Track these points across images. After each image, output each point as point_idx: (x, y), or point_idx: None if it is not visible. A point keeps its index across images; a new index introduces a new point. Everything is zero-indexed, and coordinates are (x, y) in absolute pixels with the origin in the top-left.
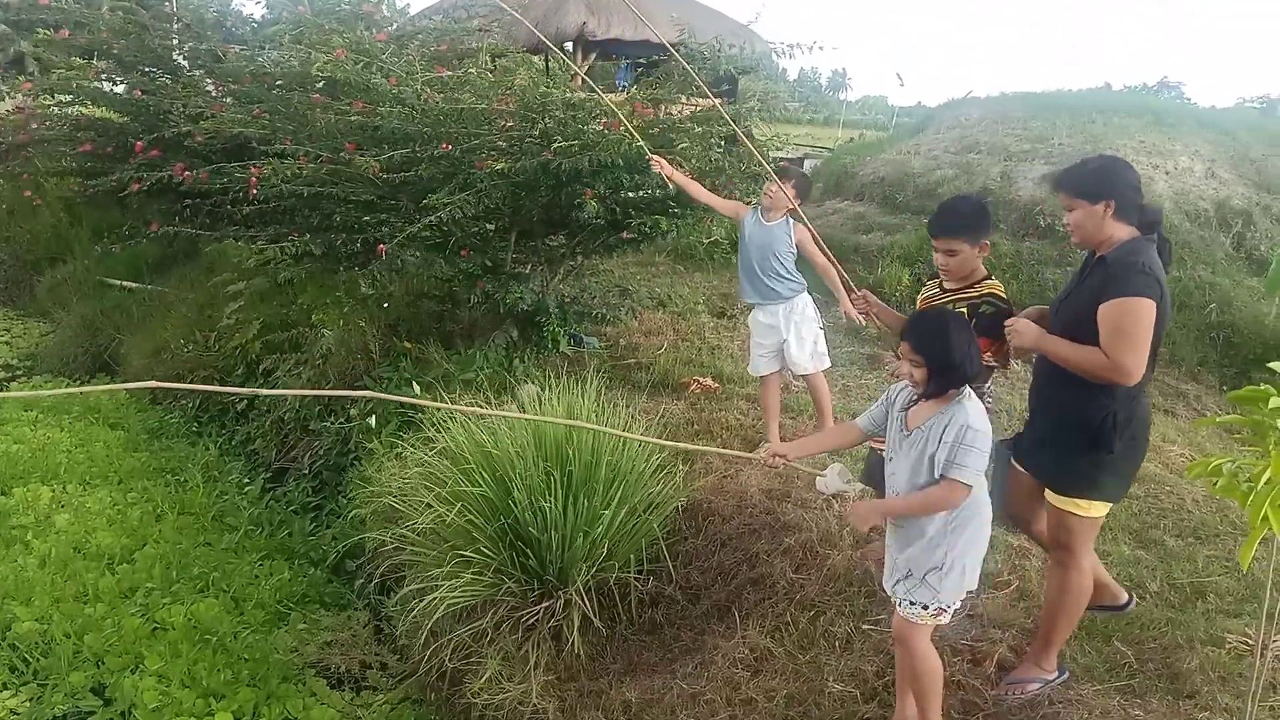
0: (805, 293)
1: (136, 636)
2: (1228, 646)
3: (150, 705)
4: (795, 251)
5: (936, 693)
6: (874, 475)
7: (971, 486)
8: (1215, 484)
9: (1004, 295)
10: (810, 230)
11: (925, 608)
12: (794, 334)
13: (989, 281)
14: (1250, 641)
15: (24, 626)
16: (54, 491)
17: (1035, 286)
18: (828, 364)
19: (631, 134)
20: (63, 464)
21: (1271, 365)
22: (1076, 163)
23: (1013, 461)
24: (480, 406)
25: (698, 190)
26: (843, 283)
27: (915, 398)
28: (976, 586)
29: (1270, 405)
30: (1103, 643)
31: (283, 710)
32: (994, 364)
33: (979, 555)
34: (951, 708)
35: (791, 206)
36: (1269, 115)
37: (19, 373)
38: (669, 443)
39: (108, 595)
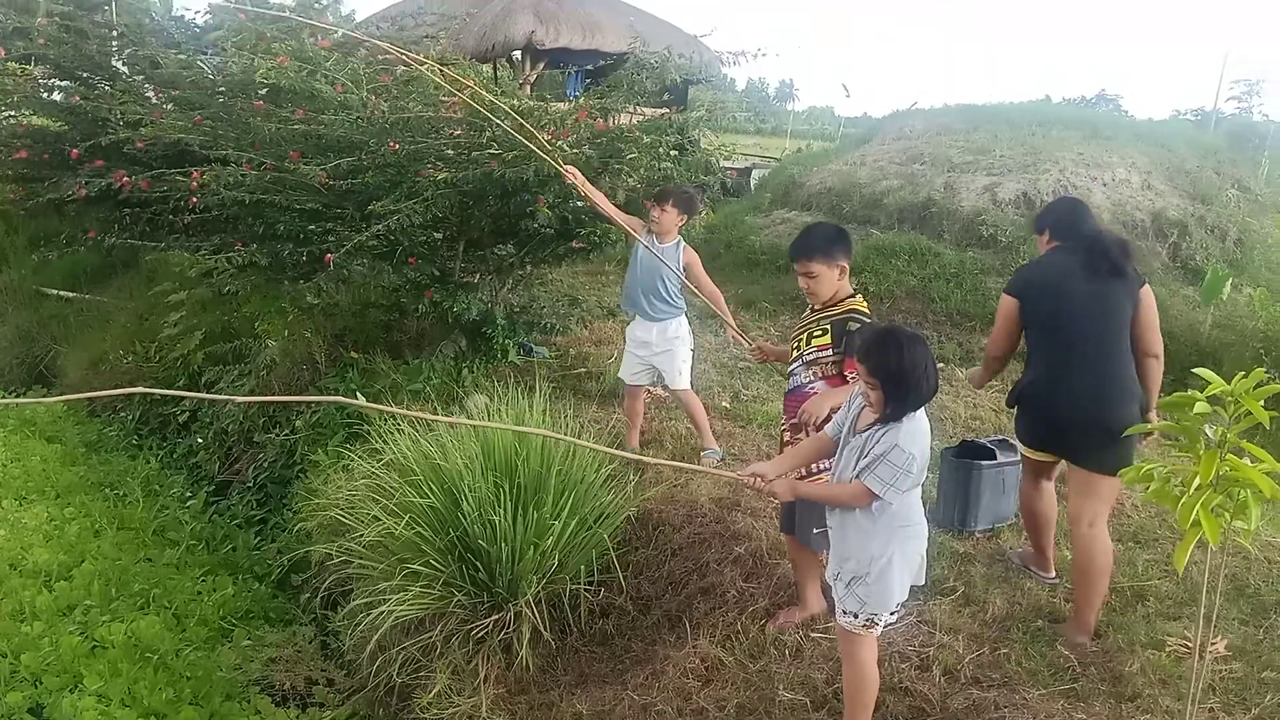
0: (683, 315)
1: (75, 655)
2: (1168, 649)
3: None
4: (682, 275)
5: (865, 705)
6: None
7: (879, 496)
8: (1147, 489)
9: (867, 311)
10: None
11: (855, 616)
12: (666, 353)
13: (852, 299)
14: (1189, 644)
15: None
16: None
17: (978, 296)
18: (684, 385)
19: (546, 155)
20: None
21: (1198, 371)
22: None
23: (1028, 450)
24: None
25: (604, 203)
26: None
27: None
28: (906, 598)
29: (1196, 410)
30: (1046, 647)
31: None
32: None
33: (908, 568)
34: (900, 713)
35: (676, 228)
36: (1203, 128)
37: None
38: (655, 461)
39: (45, 613)
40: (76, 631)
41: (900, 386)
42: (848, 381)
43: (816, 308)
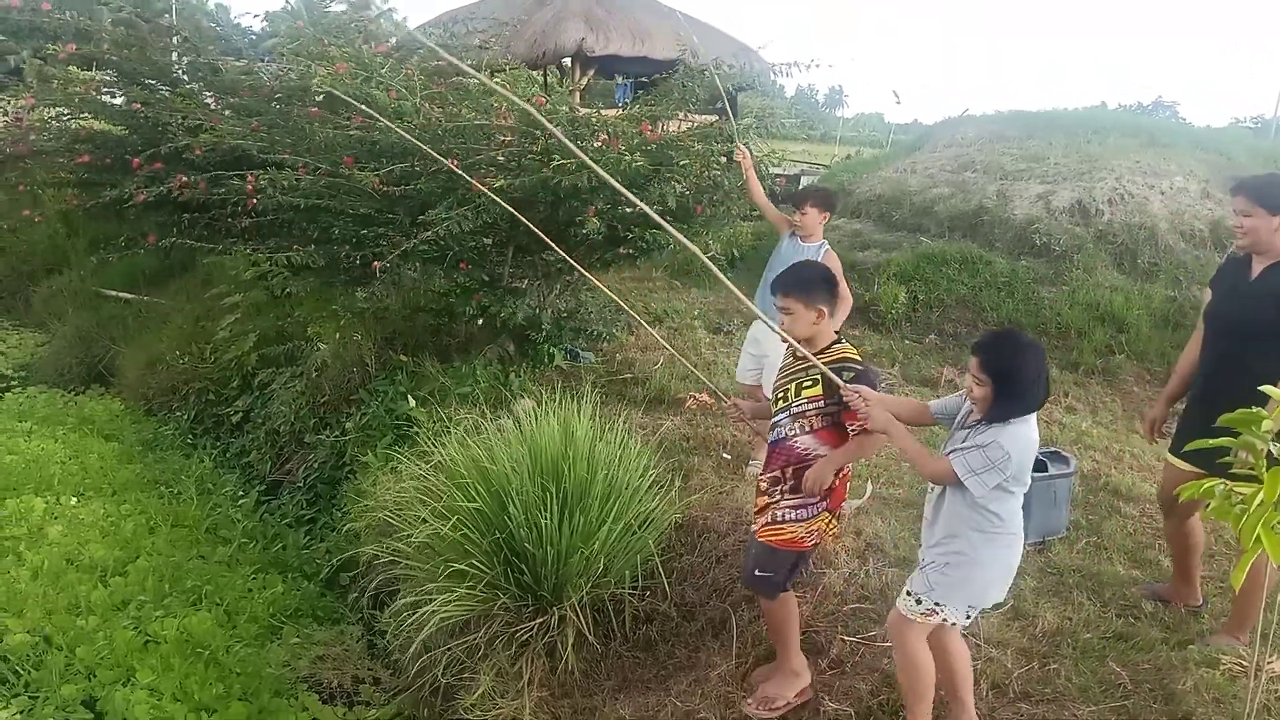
0: None
1: (128, 649)
2: (1222, 668)
3: (143, 718)
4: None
5: (922, 695)
6: None
7: (961, 481)
8: (1208, 507)
9: (860, 360)
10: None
11: (918, 602)
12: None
13: (841, 346)
14: (1245, 663)
15: (16, 638)
16: (47, 503)
17: (1030, 305)
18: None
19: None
20: (56, 475)
21: (1265, 389)
22: (1260, 176)
23: (1183, 463)
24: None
25: (758, 191)
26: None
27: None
28: (986, 606)
29: (1263, 427)
30: (1097, 663)
31: None
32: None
33: (995, 575)
34: None
35: (820, 227)
36: (1262, 135)
37: (14, 383)
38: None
39: (100, 608)
40: (130, 626)
41: (1009, 387)
42: (847, 435)
43: (798, 356)
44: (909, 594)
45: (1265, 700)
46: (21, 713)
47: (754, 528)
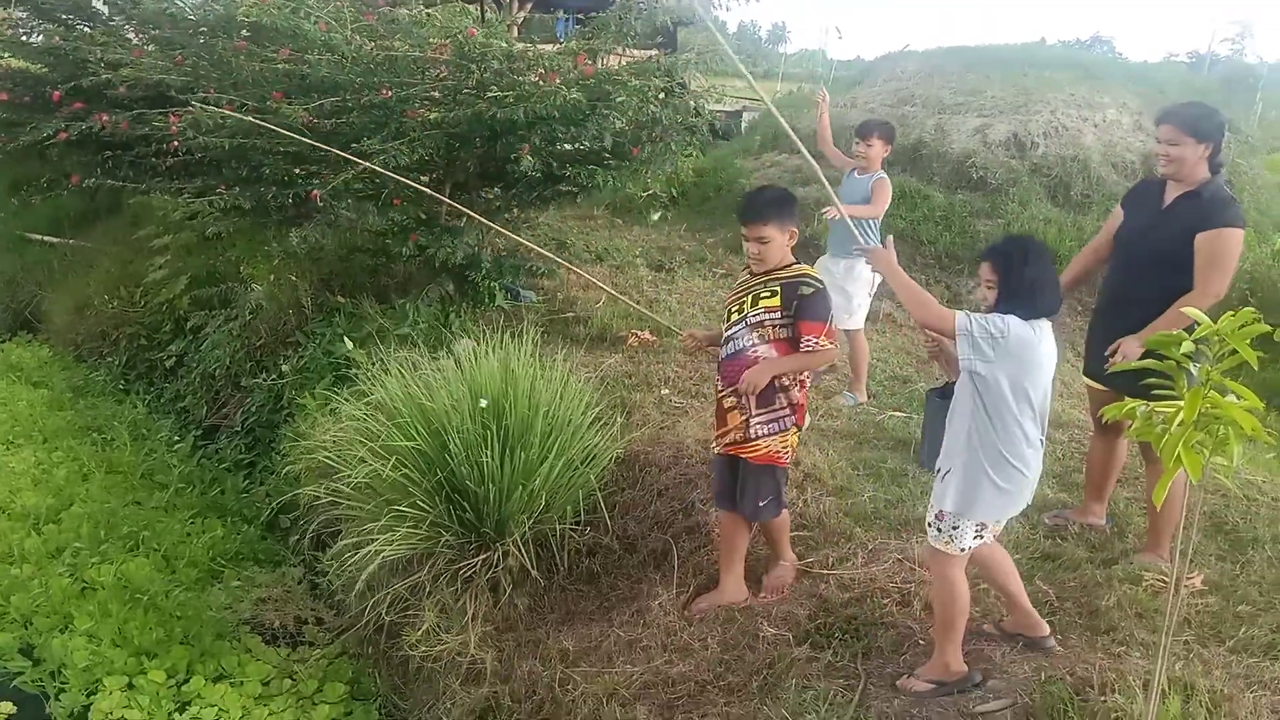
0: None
1: (65, 596)
2: (1144, 584)
3: (80, 665)
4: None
5: (949, 623)
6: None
7: (958, 331)
8: (1130, 427)
9: (820, 279)
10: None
11: (939, 529)
12: (842, 290)
13: (799, 265)
14: (1166, 579)
15: None
16: None
17: (966, 239)
18: (855, 326)
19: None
20: None
21: (1186, 310)
22: (1185, 102)
23: (1095, 382)
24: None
25: (827, 139)
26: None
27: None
28: (994, 523)
29: (1183, 349)
30: (1025, 582)
31: (217, 667)
32: (827, 346)
33: (1002, 492)
34: (884, 645)
35: (881, 159)
36: (1196, 70)
37: None
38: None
39: (34, 556)
40: (66, 573)
41: (1015, 286)
42: (800, 350)
43: (758, 273)
44: (934, 519)
45: (1186, 614)
46: None
47: (716, 448)
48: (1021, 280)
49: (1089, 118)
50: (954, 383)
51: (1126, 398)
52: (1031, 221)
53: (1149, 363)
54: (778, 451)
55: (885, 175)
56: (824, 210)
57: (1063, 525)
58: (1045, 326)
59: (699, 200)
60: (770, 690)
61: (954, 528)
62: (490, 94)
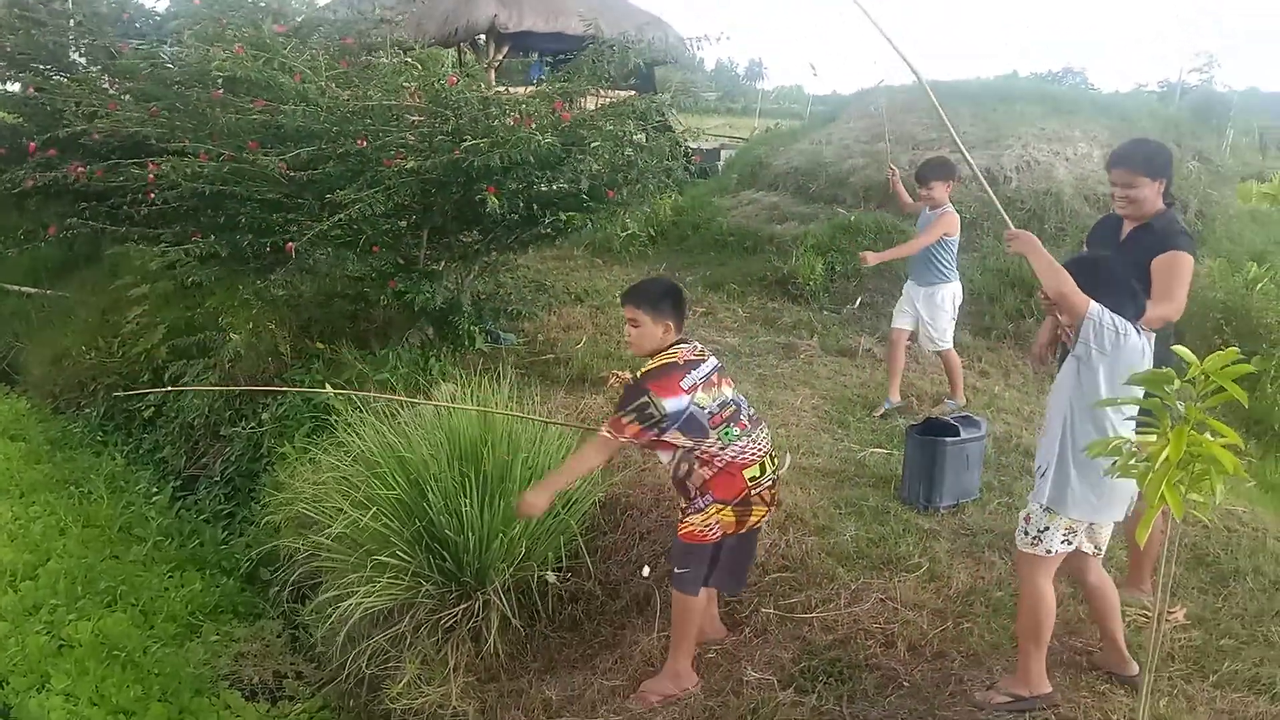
0: (948, 284)
1: (42, 654)
2: (1127, 619)
3: None
4: (951, 242)
5: (1033, 633)
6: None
7: (1087, 314)
8: (1114, 464)
9: (671, 364)
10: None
11: (1026, 531)
12: (924, 318)
13: (669, 351)
14: (1149, 613)
15: None
16: None
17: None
18: (945, 346)
19: None
20: None
21: (1176, 349)
22: (1132, 142)
23: None
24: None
25: (906, 203)
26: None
27: None
28: (1085, 522)
29: (1172, 387)
30: (1009, 620)
31: None
32: (605, 435)
33: (1095, 489)
34: (867, 687)
35: (947, 194)
36: (1168, 100)
37: None
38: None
39: (10, 613)
40: (43, 631)
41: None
42: (668, 442)
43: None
44: (1019, 525)
45: (1170, 649)
46: None
47: None
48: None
49: (1060, 151)
50: (933, 418)
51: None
52: (1007, 255)
53: (1136, 399)
54: (699, 530)
55: (949, 209)
56: (861, 256)
57: None
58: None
59: (677, 239)
60: None
61: (1042, 529)
62: (465, 141)
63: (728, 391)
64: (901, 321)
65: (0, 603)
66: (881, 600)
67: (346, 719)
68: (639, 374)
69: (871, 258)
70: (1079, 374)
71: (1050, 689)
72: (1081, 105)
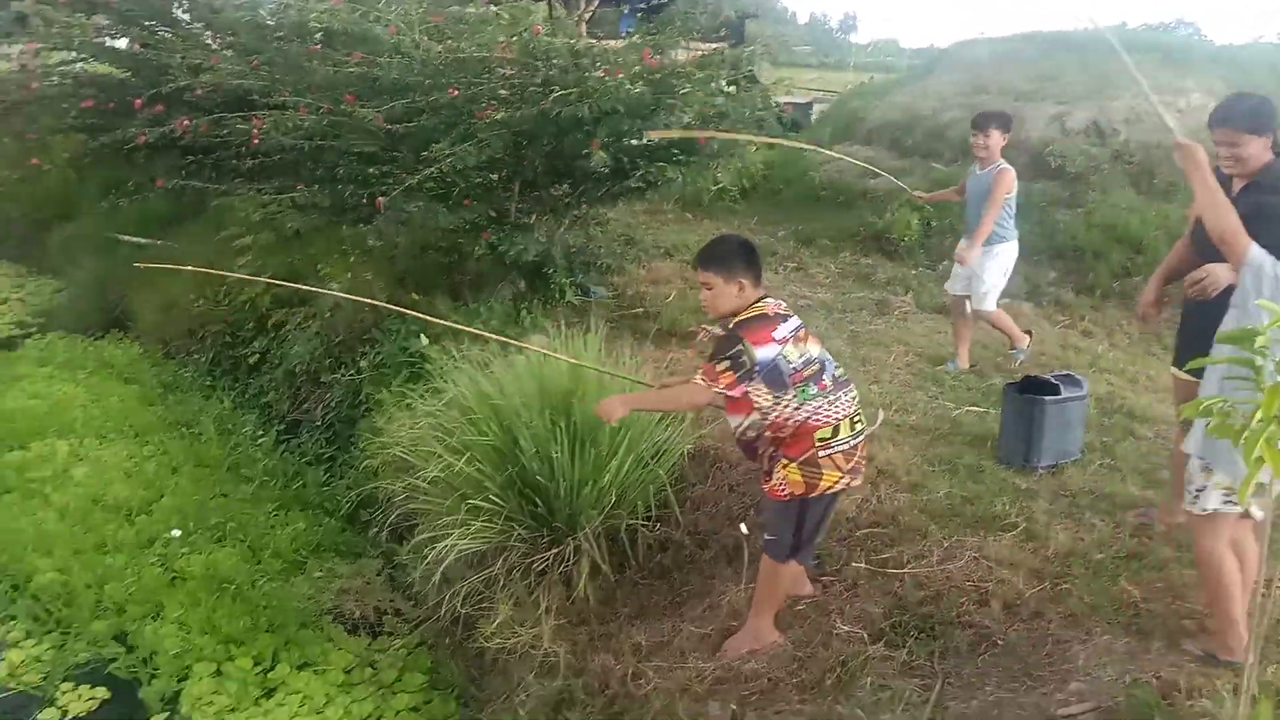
0: (1004, 243)
1: (156, 585)
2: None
3: (172, 651)
4: (1009, 199)
5: (1220, 598)
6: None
7: (1249, 255)
8: (1210, 425)
9: (758, 318)
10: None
11: (1189, 490)
12: (976, 276)
13: (753, 307)
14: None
15: (45, 577)
16: (71, 445)
17: (1045, 228)
18: (988, 308)
19: None
20: (79, 418)
21: (1261, 303)
22: (1233, 98)
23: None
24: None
25: (943, 194)
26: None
27: None
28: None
29: (1258, 343)
30: (1109, 582)
31: (301, 655)
32: (698, 383)
33: None
34: (960, 645)
35: (999, 150)
36: None
37: (33, 329)
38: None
39: (127, 546)
40: (157, 563)
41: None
42: (747, 402)
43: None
44: (1188, 482)
45: (1276, 614)
46: (54, 648)
47: None
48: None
49: (1171, 102)
50: (1032, 377)
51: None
52: (1114, 210)
53: (1231, 358)
54: (777, 486)
55: (1004, 165)
56: (915, 195)
57: (1148, 524)
58: None
59: (769, 193)
60: (844, 688)
61: (1199, 487)
62: (555, 92)
63: (813, 349)
64: (956, 286)
65: (117, 536)
66: (975, 558)
67: (442, 655)
68: (731, 324)
69: (924, 197)
70: (1238, 325)
71: (1240, 657)
72: (1194, 56)
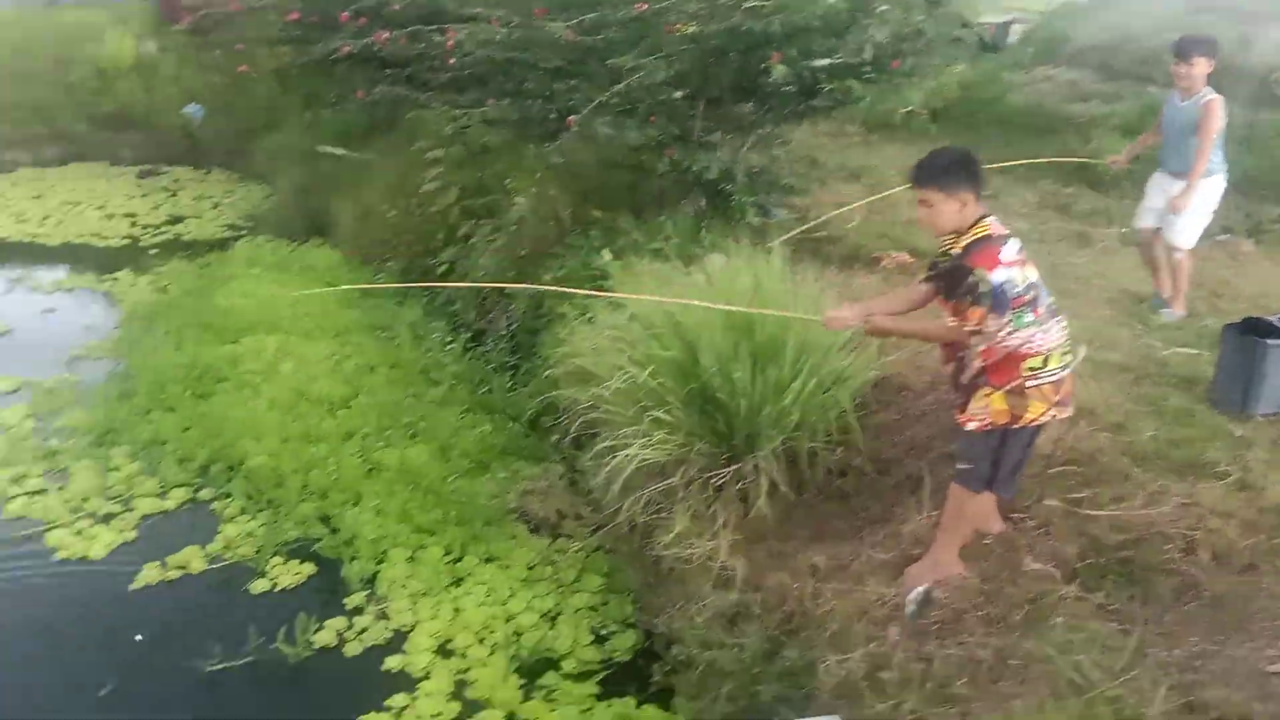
0: (1210, 177)
1: (356, 475)
2: None
3: (370, 536)
4: (1217, 130)
5: None
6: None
7: None
8: None
9: (984, 235)
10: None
11: None
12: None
13: (978, 225)
14: None
15: (257, 460)
16: (279, 341)
17: (1271, 161)
18: (1183, 244)
19: None
20: (285, 317)
21: None
22: None
23: None
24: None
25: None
26: None
27: None
28: None
29: None
30: None
31: (487, 550)
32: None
33: None
34: (1164, 593)
35: (1204, 79)
36: None
37: (243, 232)
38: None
39: (329, 437)
40: (356, 454)
41: None
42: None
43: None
44: None
45: None
46: (265, 525)
47: None
48: None
49: None
50: (1255, 318)
51: None
52: None
53: None
54: (976, 414)
55: (1213, 95)
56: (1112, 161)
57: None
58: None
59: (964, 116)
60: (1034, 625)
61: None
62: (747, 4)
63: (1032, 274)
64: (1146, 220)
65: (320, 428)
66: (1183, 505)
67: (619, 561)
68: (959, 251)
69: (1121, 160)
70: None
71: None
72: None
